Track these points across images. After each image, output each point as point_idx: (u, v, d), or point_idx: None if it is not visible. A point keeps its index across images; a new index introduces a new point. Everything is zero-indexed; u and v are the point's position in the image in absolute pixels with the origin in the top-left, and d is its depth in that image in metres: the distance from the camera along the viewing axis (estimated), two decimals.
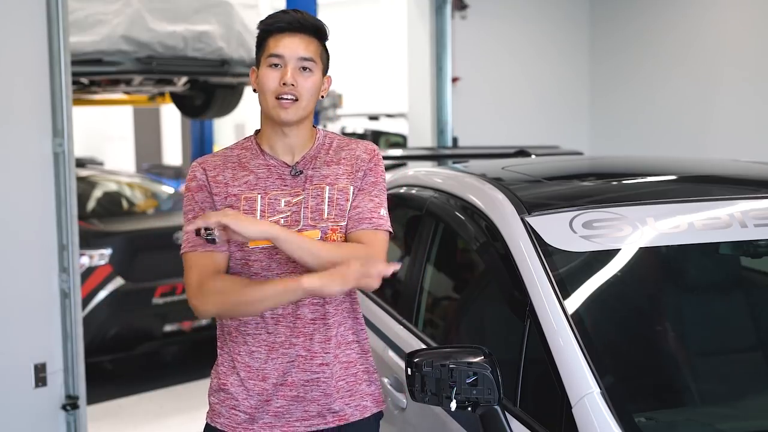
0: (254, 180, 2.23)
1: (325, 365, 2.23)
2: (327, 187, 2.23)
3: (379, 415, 2.35)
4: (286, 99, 2.17)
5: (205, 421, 2.34)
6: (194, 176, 2.26)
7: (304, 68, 2.19)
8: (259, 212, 2.19)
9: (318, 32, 2.23)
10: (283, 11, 2.24)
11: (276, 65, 2.19)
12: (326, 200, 2.22)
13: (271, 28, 2.21)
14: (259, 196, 2.21)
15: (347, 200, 2.23)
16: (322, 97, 2.29)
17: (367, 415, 2.30)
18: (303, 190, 2.22)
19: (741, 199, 2.59)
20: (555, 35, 8.78)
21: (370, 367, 2.35)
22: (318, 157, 2.27)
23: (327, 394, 2.24)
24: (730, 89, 7.52)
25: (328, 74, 2.30)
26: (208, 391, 2.37)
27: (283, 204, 2.21)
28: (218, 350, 2.33)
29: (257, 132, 2.31)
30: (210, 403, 2.33)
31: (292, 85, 2.16)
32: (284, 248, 2.10)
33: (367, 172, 2.28)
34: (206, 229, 2.06)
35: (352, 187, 2.25)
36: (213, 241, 2.08)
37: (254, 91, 2.27)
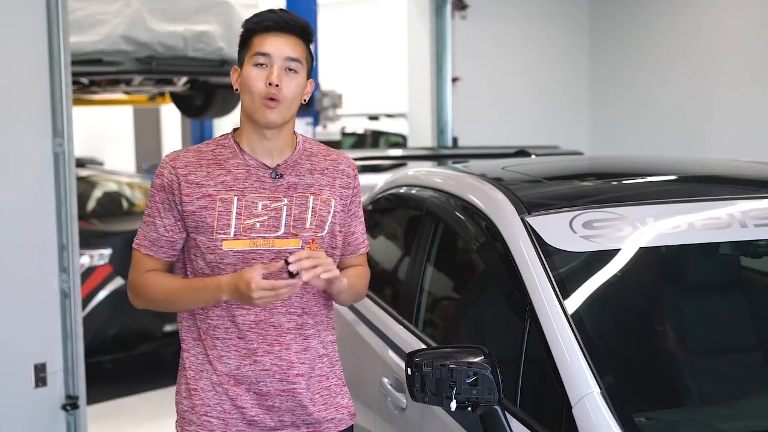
0: (231, 180, 2.15)
1: (301, 376, 2.19)
2: (311, 197, 2.19)
3: (351, 429, 2.33)
4: (271, 100, 2.11)
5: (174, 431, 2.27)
6: (161, 173, 2.18)
7: (290, 69, 2.13)
8: (234, 214, 2.13)
9: (304, 33, 2.17)
10: (270, 10, 2.19)
11: (261, 64, 2.12)
12: (310, 210, 2.18)
13: (257, 27, 2.15)
14: (236, 197, 2.14)
15: (329, 212, 2.21)
16: (305, 101, 2.22)
17: (342, 428, 2.28)
18: (284, 196, 2.17)
19: (741, 199, 2.59)
20: (555, 35, 8.78)
21: (340, 380, 2.32)
22: (299, 163, 2.21)
23: (302, 405, 2.20)
24: (730, 89, 7.52)
25: (311, 79, 2.24)
26: (175, 398, 2.29)
27: (260, 207, 2.15)
28: (183, 353, 2.25)
29: (235, 130, 2.24)
30: (178, 411, 2.26)
31: (277, 85, 2.11)
32: (347, 292, 2.20)
33: (355, 192, 2.29)
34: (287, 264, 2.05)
35: (333, 201, 2.21)
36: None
37: (235, 90, 2.20)
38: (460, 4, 8.11)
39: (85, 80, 6.62)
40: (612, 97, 8.74)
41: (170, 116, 14.72)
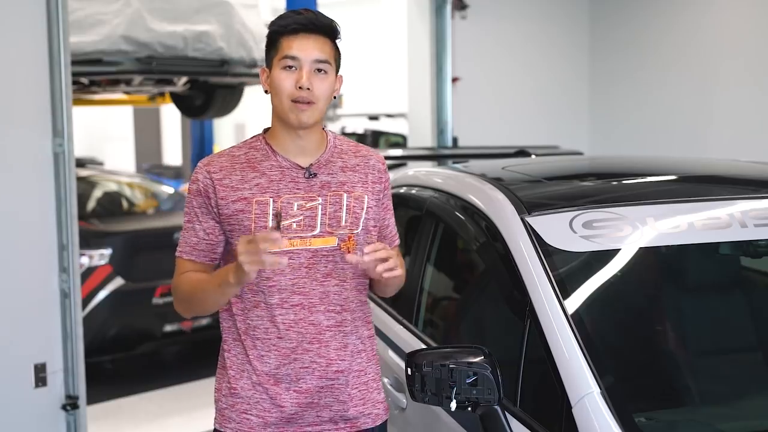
0: (266, 183, 2.17)
1: (340, 372, 2.21)
2: (345, 195, 2.21)
3: (385, 424, 2.35)
4: (303, 102, 2.13)
5: (213, 427, 2.30)
6: (196, 179, 2.21)
7: (319, 70, 2.15)
8: (271, 216, 2.16)
9: (331, 32, 2.18)
10: (295, 11, 2.19)
11: (290, 67, 2.14)
12: (344, 208, 2.20)
13: (284, 29, 2.16)
14: (271, 199, 2.16)
15: (362, 209, 2.23)
16: (335, 97, 2.25)
17: (378, 423, 2.30)
18: (319, 195, 2.19)
19: (741, 199, 2.59)
20: (555, 35, 8.78)
21: (377, 375, 2.33)
22: (332, 161, 2.24)
23: (341, 401, 2.22)
24: (730, 89, 7.52)
25: (340, 73, 2.25)
26: (214, 395, 2.31)
27: (296, 207, 2.17)
28: (224, 352, 2.27)
29: (266, 131, 2.27)
30: (218, 408, 2.28)
31: (308, 88, 2.12)
32: (397, 277, 2.17)
33: (386, 186, 2.32)
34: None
35: (366, 197, 2.23)
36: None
37: (266, 92, 2.22)
38: (460, 4, 8.11)
39: (85, 80, 6.62)
40: (612, 97, 8.74)
41: (170, 116, 14.73)
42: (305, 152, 2.22)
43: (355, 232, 2.20)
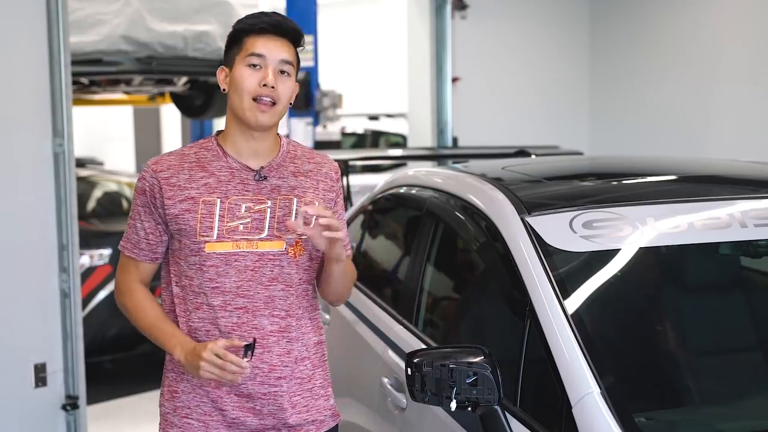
0: (214, 183, 2.16)
1: (282, 379, 2.19)
2: (295, 199, 2.19)
3: (335, 429, 2.33)
4: (265, 101, 2.12)
5: None
6: (143, 177, 2.19)
7: (283, 71, 2.15)
8: (217, 216, 2.14)
9: (296, 37, 2.19)
10: (263, 13, 2.20)
11: (255, 65, 2.13)
12: (294, 212, 2.18)
13: (252, 28, 2.16)
14: (219, 200, 2.14)
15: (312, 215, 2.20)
16: (291, 104, 2.22)
17: (324, 430, 2.28)
18: (268, 198, 2.17)
19: (741, 199, 2.59)
20: (555, 35, 8.79)
21: (325, 381, 2.31)
22: (284, 165, 2.22)
23: (283, 408, 2.19)
24: (730, 89, 7.52)
25: (297, 81, 2.25)
26: (159, 399, 2.28)
27: (243, 210, 2.15)
28: (167, 354, 2.23)
29: (218, 133, 2.25)
30: (161, 413, 2.25)
31: (273, 87, 2.12)
32: (341, 270, 2.19)
33: (338, 194, 2.31)
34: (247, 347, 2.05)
35: (317, 204, 2.19)
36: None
37: (223, 91, 2.20)
38: (460, 4, 8.12)
39: (85, 80, 6.62)
40: (612, 97, 8.74)
41: (170, 116, 14.72)
42: (257, 155, 2.20)
43: (304, 238, 2.17)
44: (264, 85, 2.12)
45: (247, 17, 2.20)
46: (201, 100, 7.73)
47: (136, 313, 2.23)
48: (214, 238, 2.13)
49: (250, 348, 2.04)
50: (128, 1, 6.04)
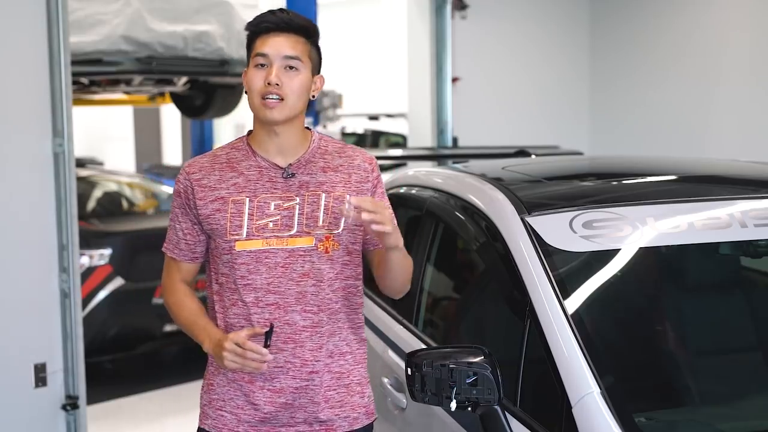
0: (243, 182, 2.19)
1: (315, 373, 2.21)
2: (323, 194, 2.20)
3: (369, 427, 2.34)
4: (272, 99, 2.14)
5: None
6: (179, 179, 2.27)
7: (290, 67, 2.16)
8: (246, 215, 2.17)
9: (306, 32, 2.20)
10: (270, 11, 2.22)
11: (262, 65, 2.16)
12: (322, 207, 2.19)
13: (257, 28, 2.20)
14: (248, 198, 2.18)
15: None
16: (313, 97, 2.25)
17: (356, 427, 2.29)
18: (296, 195, 2.19)
19: (741, 199, 2.59)
20: (555, 35, 8.79)
21: (363, 378, 2.32)
22: (313, 161, 2.23)
23: (315, 402, 2.21)
24: (730, 89, 7.52)
25: (321, 74, 2.26)
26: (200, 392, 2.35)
27: (272, 207, 2.18)
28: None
29: (250, 133, 2.28)
30: (200, 405, 2.31)
31: (277, 84, 2.13)
32: (399, 257, 2.20)
33: (376, 183, 2.29)
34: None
35: (348, 197, 2.21)
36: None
37: (245, 92, 2.23)
38: (460, 4, 8.12)
39: (85, 80, 6.62)
40: (612, 97, 8.74)
41: (170, 116, 14.72)
42: (284, 151, 2.22)
43: (335, 232, 2.20)
44: (268, 83, 2.14)
45: (256, 18, 2.23)
46: (201, 100, 7.73)
47: (176, 311, 2.30)
48: (244, 236, 2.17)
49: (268, 335, 2.08)
50: (128, 1, 6.04)
